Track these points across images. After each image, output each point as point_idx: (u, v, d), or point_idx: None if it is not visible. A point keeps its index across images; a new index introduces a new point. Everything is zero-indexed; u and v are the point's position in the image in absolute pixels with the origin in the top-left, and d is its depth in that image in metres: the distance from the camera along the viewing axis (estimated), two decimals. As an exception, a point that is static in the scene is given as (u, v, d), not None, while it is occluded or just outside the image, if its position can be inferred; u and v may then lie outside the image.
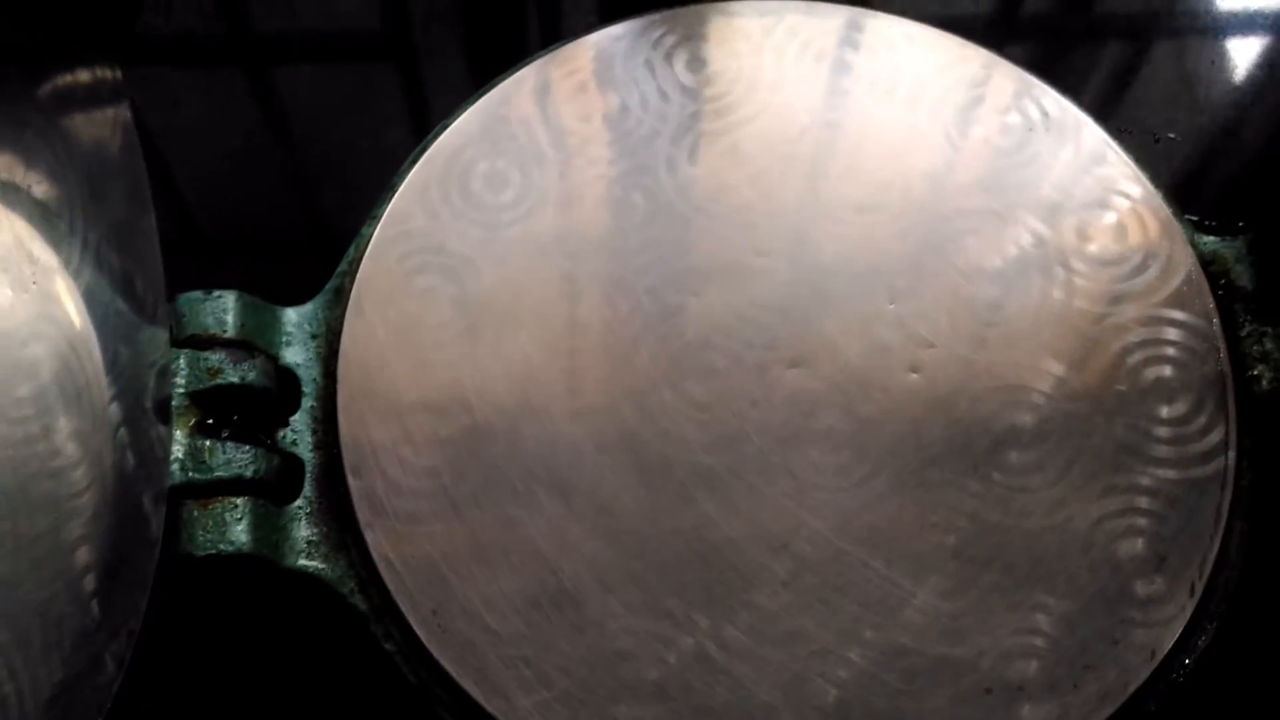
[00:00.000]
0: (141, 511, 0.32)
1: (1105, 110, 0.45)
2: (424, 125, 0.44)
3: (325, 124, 0.45)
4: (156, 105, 0.45)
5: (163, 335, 0.35)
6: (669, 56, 0.39)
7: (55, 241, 0.36)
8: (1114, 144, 0.39)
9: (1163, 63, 0.46)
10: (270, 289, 0.37)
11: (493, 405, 0.35)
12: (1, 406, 0.34)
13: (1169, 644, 0.33)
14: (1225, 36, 0.47)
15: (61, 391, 0.33)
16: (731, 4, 0.40)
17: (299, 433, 0.35)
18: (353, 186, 0.43)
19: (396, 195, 0.37)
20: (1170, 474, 0.34)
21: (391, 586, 0.33)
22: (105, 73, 0.41)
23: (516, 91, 0.39)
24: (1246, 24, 0.47)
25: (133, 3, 0.47)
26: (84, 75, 0.42)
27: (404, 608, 0.33)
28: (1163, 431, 0.35)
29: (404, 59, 0.46)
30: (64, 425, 0.33)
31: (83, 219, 0.38)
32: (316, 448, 0.35)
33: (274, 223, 0.44)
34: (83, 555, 0.32)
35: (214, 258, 0.44)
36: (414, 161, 0.38)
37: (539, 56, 0.40)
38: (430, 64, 0.46)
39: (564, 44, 0.40)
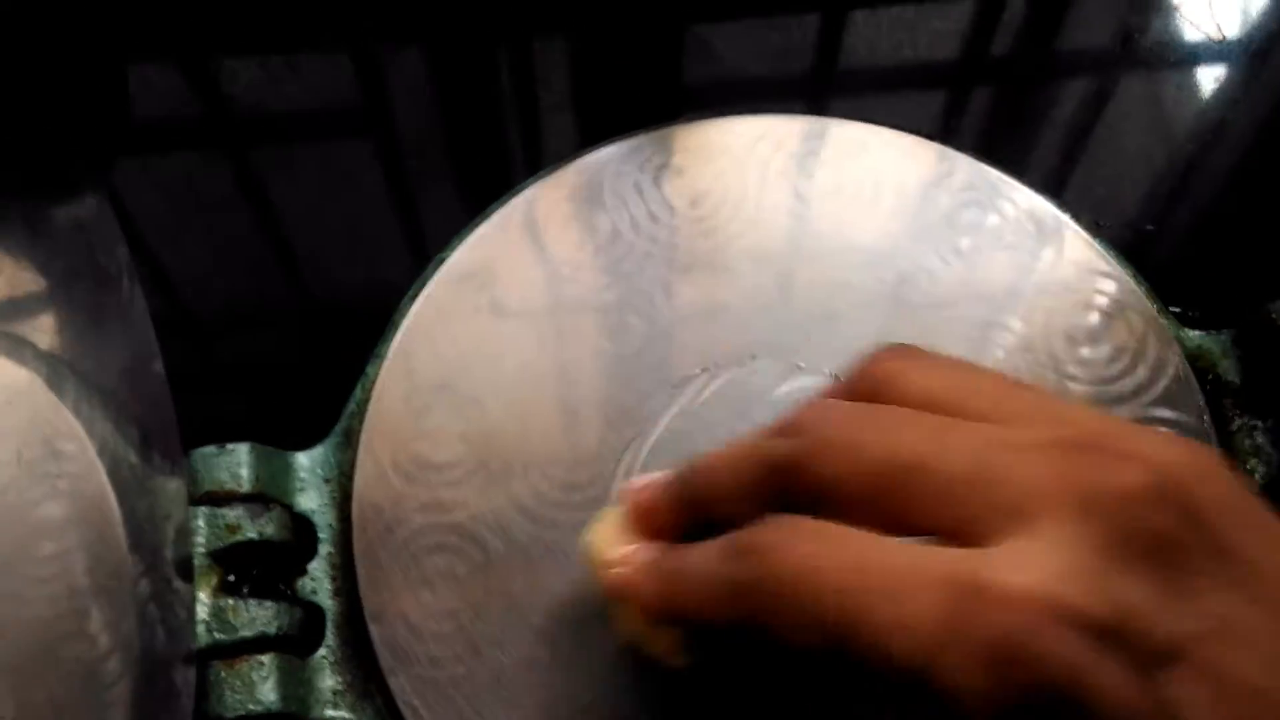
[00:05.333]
0: (172, 681, 0.32)
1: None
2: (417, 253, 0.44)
3: (323, 256, 0.46)
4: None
5: (175, 488, 0.36)
6: (657, 177, 0.40)
7: (62, 393, 0.36)
8: (1094, 241, 0.39)
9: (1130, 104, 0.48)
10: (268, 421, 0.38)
11: (508, 541, 0.36)
12: (25, 566, 0.35)
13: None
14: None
15: (85, 553, 0.34)
16: (711, 121, 0.41)
17: (318, 580, 0.36)
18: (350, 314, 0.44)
19: (400, 332, 0.38)
20: (1171, 572, 0.35)
21: (419, 733, 0.34)
22: (101, 207, 0.42)
23: (508, 219, 0.40)
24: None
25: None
26: (80, 211, 0.42)
27: (432, 753, 0.33)
28: (1161, 531, 0.35)
29: (394, 182, 0.47)
30: (91, 601, 0.33)
31: (93, 367, 0.39)
32: (336, 594, 0.36)
33: (273, 351, 0.45)
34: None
35: (204, 385, 0.44)
36: (413, 297, 0.39)
37: (529, 183, 0.40)
38: (421, 190, 0.47)
39: (552, 169, 0.41)
